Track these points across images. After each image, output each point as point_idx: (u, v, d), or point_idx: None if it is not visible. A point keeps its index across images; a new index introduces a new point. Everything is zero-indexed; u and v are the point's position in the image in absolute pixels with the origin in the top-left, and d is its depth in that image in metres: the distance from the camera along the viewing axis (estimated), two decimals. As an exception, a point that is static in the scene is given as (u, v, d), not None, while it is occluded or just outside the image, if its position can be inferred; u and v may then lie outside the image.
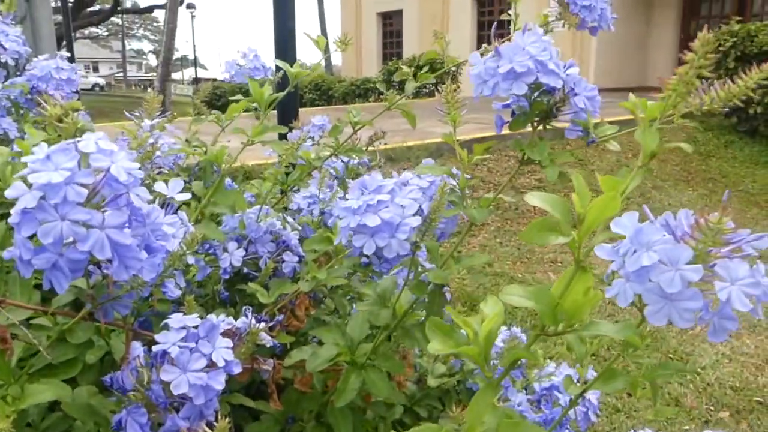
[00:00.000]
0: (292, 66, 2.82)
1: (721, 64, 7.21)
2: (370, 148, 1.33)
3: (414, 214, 0.75)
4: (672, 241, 0.50)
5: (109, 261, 0.59)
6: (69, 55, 1.39)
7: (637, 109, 0.68)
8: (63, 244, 0.56)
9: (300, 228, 1.11)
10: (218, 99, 21.26)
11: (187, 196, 0.71)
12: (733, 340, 3.11)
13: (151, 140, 1.01)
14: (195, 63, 35.87)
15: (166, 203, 0.69)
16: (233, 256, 1.01)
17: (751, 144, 7.15)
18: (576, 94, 0.78)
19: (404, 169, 3.62)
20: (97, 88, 43.00)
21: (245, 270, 1.04)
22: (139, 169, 0.61)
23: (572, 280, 0.58)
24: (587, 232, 0.58)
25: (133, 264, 0.60)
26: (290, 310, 0.99)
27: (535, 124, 0.82)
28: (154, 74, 37.38)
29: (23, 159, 0.57)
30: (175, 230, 0.66)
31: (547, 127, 0.84)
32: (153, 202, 0.64)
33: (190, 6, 29.30)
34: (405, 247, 0.74)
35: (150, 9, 33.61)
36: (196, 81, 34.85)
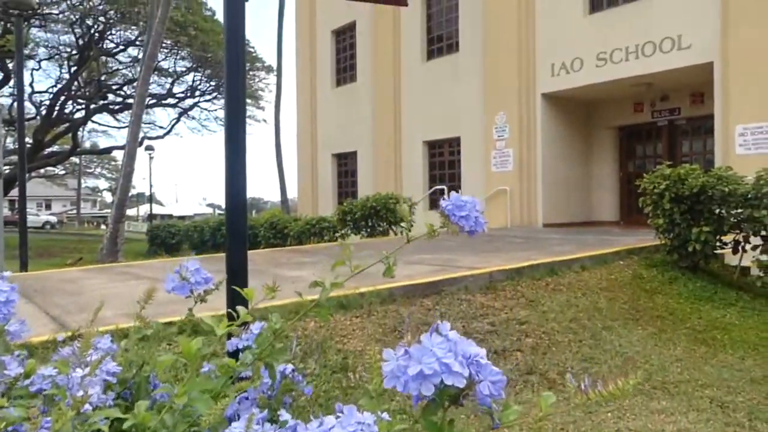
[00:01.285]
0: (243, 200, 2.80)
1: (657, 206, 7.65)
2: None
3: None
4: None
5: None
6: (10, 273, 1.37)
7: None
8: None
9: None
10: (172, 237, 21.24)
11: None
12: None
13: (80, 393, 0.97)
14: (151, 200, 36.04)
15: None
16: None
17: (694, 280, 7.40)
18: (481, 381, 0.85)
19: (356, 317, 3.55)
20: (48, 226, 42.50)
21: None
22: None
23: None
24: None
25: None
26: None
27: (446, 406, 0.88)
28: (109, 211, 37.29)
29: None
30: None
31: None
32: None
33: (149, 148, 30.00)
34: None
35: (109, 150, 34.30)
36: (151, 218, 34.84)
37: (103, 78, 29.49)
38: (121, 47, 28.92)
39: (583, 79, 12.95)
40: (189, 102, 32.10)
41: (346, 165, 19.99)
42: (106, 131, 37.38)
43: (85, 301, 5.19)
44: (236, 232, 2.63)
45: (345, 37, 19.95)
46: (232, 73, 2.62)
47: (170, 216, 66.37)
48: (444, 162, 16.51)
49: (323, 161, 20.65)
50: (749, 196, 7.04)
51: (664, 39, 11.57)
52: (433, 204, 16.37)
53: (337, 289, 1.30)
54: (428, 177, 16.86)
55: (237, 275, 2.52)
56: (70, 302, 5.10)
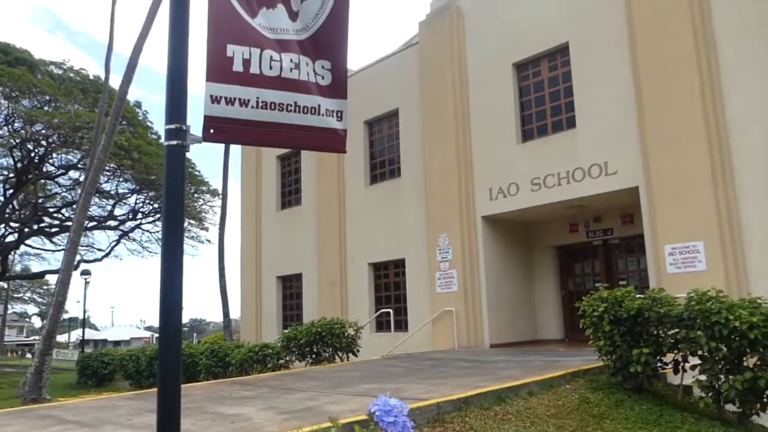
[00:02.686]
0: (177, 323, 2.66)
1: (598, 328, 7.78)
2: None
3: None
4: None
5: None
6: None
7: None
8: None
9: None
10: (105, 367, 20.04)
11: None
12: None
13: None
14: (83, 326, 34.29)
15: None
16: None
17: (640, 402, 7.41)
18: None
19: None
20: (-33, 356, 39.56)
21: None
22: None
23: None
24: None
25: None
26: None
27: None
28: (37, 337, 35.05)
29: None
30: None
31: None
32: None
33: (85, 272, 28.97)
34: None
35: (41, 274, 32.93)
36: (83, 345, 32.99)
37: (40, 201, 28.88)
38: (62, 171, 28.65)
39: (520, 203, 13.51)
40: (130, 224, 31.60)
41: (290, 287, 19.76)
42: (39, 254, 36.02)
43: (0, 453, 4.73)
44: (169, 370, 2.50)
45: (290, 162, 20.45)
46: (169, 224, 2.60)
47: (104, 341, 63.16)
48: (389, 283, 16.54)
49: (268, 284, 20.37)
50: (683, 316, 7.25)
51: (592, 165, 12.33)
52: (380, 326, 16.19)
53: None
54: (374, 299, 16.79)
55: (169, 417, 2.37)
56: (-19, 456, 4.63)
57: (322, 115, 2.84)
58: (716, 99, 10.78)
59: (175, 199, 2.59)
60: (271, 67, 2.69)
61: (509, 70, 14.08)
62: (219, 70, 2.60)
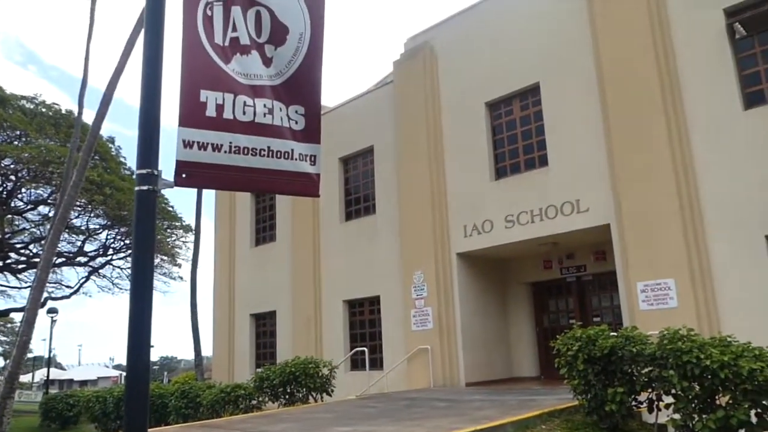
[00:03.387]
0: (146, 363, 2.58)
1: (572, 367, 7.77)
2: None
3: None
4: None
5: None
6: None
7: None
8: None
9: None
10: (70, 409, 19.37)
11: None
12: None
13: None
14: (48, 366, 33.22)
15: None
16: None
17: (616, 442, 7.38)
18: None
19: None
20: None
21: None
22: None
23: None
24: None
25: None
26: None
27: None
28: (1, 378, 33.73)
29: None
30: None
31: None
32: None
33: (51, 310, 28.16)
34: None
35: (6, 312, 31.89)
36: (48, 386, 31.91)
37: (7, 236, 28.20)
38: (31, 206, 28.08)
39: (494, 240, 13.59)
40: (100, 260, 30.92)
41: (264, 325, 19.46)
42: (4, 291, 34.77)
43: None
44: (136, 413, 2.42)
45: (264, 198, 20.36)
46: (139, 264, 2.56)
47: (71, 381, 61.21)
48: (364, 321, 16.40)
49: (241, 321, 20.04)
50: (656, 355, 7.28)
51: (564, 203, 12.50)
52: (354, 365, 15.98)
53: None
54: (349, 336, 16.60)
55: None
56: None
57: (296, 159, 2.85)
58: (683, 138, 11.06)
59: (145, 242, 2.56)
60: (244, 113, 2.70)
61: (482, 109, 14.32)
62: (192, 114, 2.60)
